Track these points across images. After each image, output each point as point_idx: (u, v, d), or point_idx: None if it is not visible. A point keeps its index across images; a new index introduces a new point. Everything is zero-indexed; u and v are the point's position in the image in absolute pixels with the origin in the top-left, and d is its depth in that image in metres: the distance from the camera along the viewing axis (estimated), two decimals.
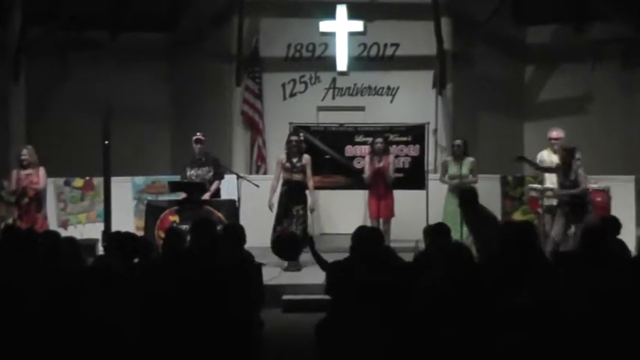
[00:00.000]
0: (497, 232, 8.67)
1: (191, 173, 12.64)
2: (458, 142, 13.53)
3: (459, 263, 6.35)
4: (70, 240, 8.11)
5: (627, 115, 16.78)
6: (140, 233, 11.61)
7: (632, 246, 10.68)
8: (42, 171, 12.67)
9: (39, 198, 12.66)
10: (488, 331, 5.63)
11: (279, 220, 12.45)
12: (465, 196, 10.88)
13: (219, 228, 9.03)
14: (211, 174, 12.63)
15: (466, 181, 13.02)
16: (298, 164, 12.44)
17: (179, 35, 17.64)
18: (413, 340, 5.85)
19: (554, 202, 12.60)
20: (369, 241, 7.62)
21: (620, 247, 8.06)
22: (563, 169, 11.79)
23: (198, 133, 12.84)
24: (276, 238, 11.97)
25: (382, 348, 6.07)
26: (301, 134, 13.18)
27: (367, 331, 6.22)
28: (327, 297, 7.49)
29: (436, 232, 8.19)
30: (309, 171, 12.53)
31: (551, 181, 12.85)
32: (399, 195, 13.12)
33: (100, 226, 13.36)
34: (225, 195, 12.97)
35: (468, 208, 10.67)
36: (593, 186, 13.37)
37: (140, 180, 15.05)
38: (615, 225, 8.76)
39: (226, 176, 13.06)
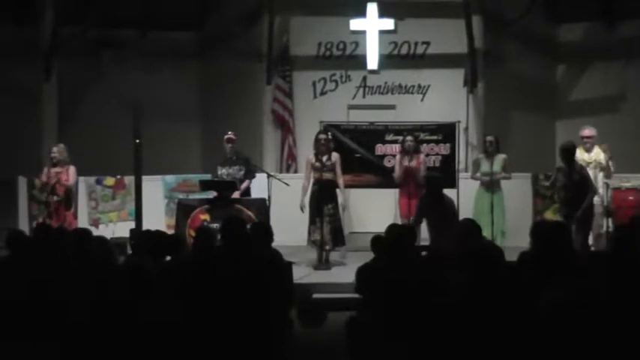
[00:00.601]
0: (456, 227, 8.58)
1: (222, 172, 12.68)
2: (490, 138, 13.48)
3: (489, 263, 6.31)
4: (102, 239, 8.15)
5: None
6: (171, 232, 11.66)
7: None
8: (72, 169, 12.74)
9: (69, 196, 12.73)
10: (521, 331, 5.59)
11: (312, 219, 12.46)
12: (430, 182, 10.81)
13: (248, 227, 9.01)
14: (242, 173, 12.65)
15: (498, 178, 13.00)
16: (328, 163, 12.43)
17: (208, 34, 17.69)
18: (442, 340, 5.82)
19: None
20: (404, 239, 7.61)
21: None
22: (565, 170, 11.75)
23: (229, 132, 12.88)
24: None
25: (412, 348, 6.04)
26: (329, 133, 13.15)
27: (398, 331, 6.19)
28: (356, 295, 7.48)
29: (467, 230, 8.15)
30: (338, 169, 12.52)
31: None
32: None
33: (132, 225, 13.41)
34: (255, 193, 12.98)
35: (431, 193, 10.57)
36: (626, 185, 13.29)
37: (171, 179, 15.11)
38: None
39: (257, 175, 13.08)
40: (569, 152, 11.82)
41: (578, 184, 11.63)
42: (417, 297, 6.39)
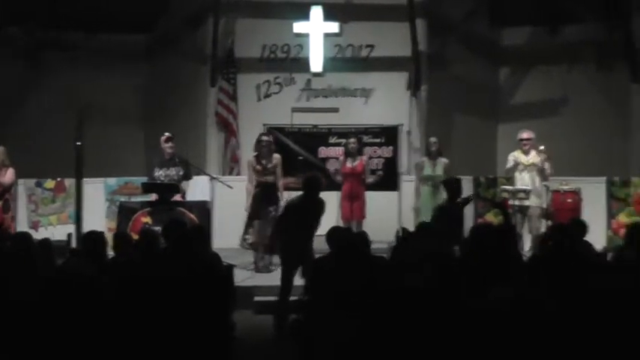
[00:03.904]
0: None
1: (159, 174, 12.54)
2: (433, 139, 13.58)
3: (445, 263, 6.42)
4: (44, 242, 8.11)
5: (601, 117, 16.85)
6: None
7: (601, 247, 10.73)
8: (10, 170, 12.50)
9: (6, 198, 12.53)
10: (472, 329, 5.63)
11: (250, 221, 12.41)
12: (311, 182, 10.81)
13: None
14: (181, 174, 12.56)
15: (440, 182, 13.09)
16: (269, 165, 12.41)
17: (155, 36, 17.58)
18: (396, 340, 5.84)
19: (526, 202, 12.71)
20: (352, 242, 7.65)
21: (586, 248, 8.09)
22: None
23: (166, 133, 12.77)
24: None
25: (363, 349, 6.05)
26: (271, 135, 13.13)
27: (347, 334, 6.19)
28: (297, 298, 7.48)
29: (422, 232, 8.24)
30: (279, 172, 12.51)
31: (522, 182, 12.91)
32: (371, 196, 13.12)
33: (72, 228, 13.27)
34: (198, 196, 12.92)
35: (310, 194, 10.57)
36: (565, 187, 13.46)
37: (112, 181, 14.95)
38: (581, 228, 8.75)
39: (199, 177, 13.01)
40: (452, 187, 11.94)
41: None
42: (368, 299, 6.40)
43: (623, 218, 13.70)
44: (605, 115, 16.82)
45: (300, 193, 10.66)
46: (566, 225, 8.49)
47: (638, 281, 6.18)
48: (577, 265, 6.68)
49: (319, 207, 10.41)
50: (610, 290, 5.95)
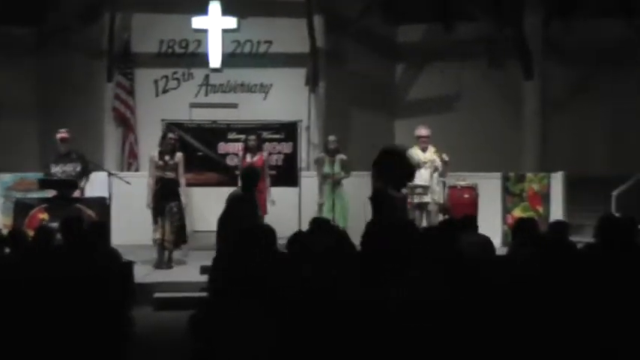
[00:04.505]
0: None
1: (56, 170, 12.40)
2: (332, 138, 13.67)
3: (343, 255, 6.49)
4: None
5: (495, 114, 17.22)
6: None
7: (498, 241, 10.96)
8: None
9: None
10: (369, 327, 5.71)
11: (155, 218, 12.36)
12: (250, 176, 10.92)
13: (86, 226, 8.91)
14: (79, 170, 12.42)
15: (339, 178, 13.21)
16: (171, 162, 12.37)
17: (48, 30, 17.27)
18: (297, 332, 5.89)
19: (425, 198, 12.88)
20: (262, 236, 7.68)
21: (484, 243, 8.25)
22: None
23: (61, 130, 12.61)
24: None
25: (266, 341, 6.09)
26: (176, 132, 13.11)
27: (250, 325, 6.22)
28: (198, 294, 7.49)
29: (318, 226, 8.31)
30: (181, 169, 12.47)
31: (421, 178, 13.07)
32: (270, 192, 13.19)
33: None
34: (96, 192, 12.80)
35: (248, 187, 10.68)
36: (461, 183, 13.69)
37: (8, 177, 14.68)
38: (471, 222, 8.90)
39: (97, 173, 12.89)
40: None
41: None
42: (269, 291, 6.44)
43: (518, 213, 14.01)
44: (499, 111, 17.20)
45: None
46: (457, 220, 8.63)
47: (530, 276, 6.35)
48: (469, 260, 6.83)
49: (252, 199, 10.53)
50: (502, 285, 6.11)
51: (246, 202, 10.54)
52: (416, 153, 13.20)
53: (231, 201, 10.66)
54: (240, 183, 11.18)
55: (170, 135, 12.65)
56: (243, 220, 10.11)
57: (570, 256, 7.16)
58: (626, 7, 16.73)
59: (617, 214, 11.90)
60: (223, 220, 10.33)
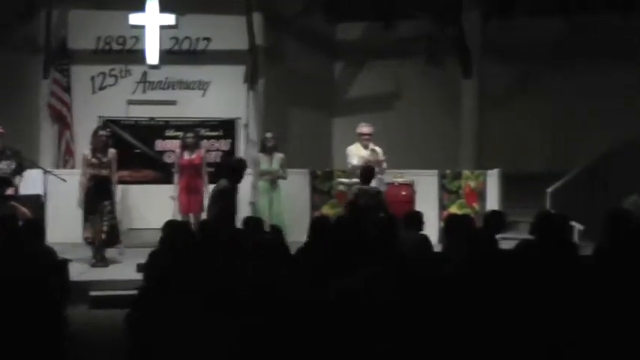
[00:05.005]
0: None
1: None
2: (269, 134, 13.63)
3: (277, 253, 6.53)
4: None
5: (432, 111, 17.35)
6: None
7: (434, 239, 11.00)
8: None
9: None
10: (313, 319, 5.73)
11: (87, 216, 12.23)
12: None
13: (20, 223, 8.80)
14: (13, 167, 12.26)
15: (276, 177, 13.18)
16: (104, 159, 12.24)
17: None
18: (239, 328, 5.88)
19: None
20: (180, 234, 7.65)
21: (420, 240, 8.31)
22: None
23: None
24: None
25: (205, 336, 6.07)
26: (108, 129, 12.97)
27: (188, 321, 6.19)
28: (134, 293, 7.42)
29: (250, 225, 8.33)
30: (114, 166, 12.36)
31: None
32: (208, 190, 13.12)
33: None
34: (31, 190, 12.65)
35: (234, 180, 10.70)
36: (399, 180, 13.75)
37: None
38: (417, 220, 8.95)
39: (32, 171, 12.74)
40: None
41: None
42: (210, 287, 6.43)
43: (454, 210, 14.12)
44: (437, 109, 17.34)
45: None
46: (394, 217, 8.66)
47: (464, 274, 6.41)
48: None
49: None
50: (437, 282, 6.17)
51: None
52: (357, 150, 13.21)
53: (226, 192, 10.62)
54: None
55: (101, 132, 12.49)
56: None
57: (502, 253, 7.26)
58: (564, 6, 16.96)
59: (551, 211, 12.05)
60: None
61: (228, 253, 7.46)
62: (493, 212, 9.40)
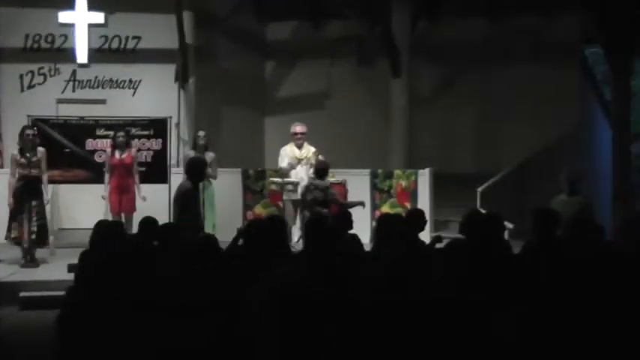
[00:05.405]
0: None
1: None
2: (201, 133, 13.58)
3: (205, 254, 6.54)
4: None
5: (364, 111, 17.47)
6: None
7: (366, 238, 11.11)
8: None
9: None
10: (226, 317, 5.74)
11: (13, 216, 12.08)
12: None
13: None
14: None
15: (208, 176, 13.15)
16: (34, 159, 12.11)
17: None
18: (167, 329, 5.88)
19: (297, 195, 12.95)
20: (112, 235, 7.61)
21: (349, 239, 8.37)
22: None
23: None
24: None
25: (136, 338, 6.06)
26: (35, 128, 12.83)
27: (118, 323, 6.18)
28: (65, 293, 7.38)
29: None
30: (44, 165, 12.23)
31: (297, 175, 13.12)
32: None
33: None
34: None
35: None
36: (330, 179, 13.81)
37: None
38: (346, 219, 8.99)
39: None
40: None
41: None
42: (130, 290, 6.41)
43: (386, 209, 14.23)
44: (368, 108, 17.47)
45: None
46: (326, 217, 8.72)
47: (396, 271, 6.47)
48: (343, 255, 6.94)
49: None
50: (368, 279, 6.23)
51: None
52: (291, 150, 13.24)
53: (189, 193, 10.54)
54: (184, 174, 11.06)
55: (28, 131, 12.35)
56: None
57: (431, 252, 7.35)
58: (489, 7, 17.19)
59: (482, 210, 12.22)
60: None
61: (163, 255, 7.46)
62: (414, 211, 9.46)
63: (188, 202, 10.30)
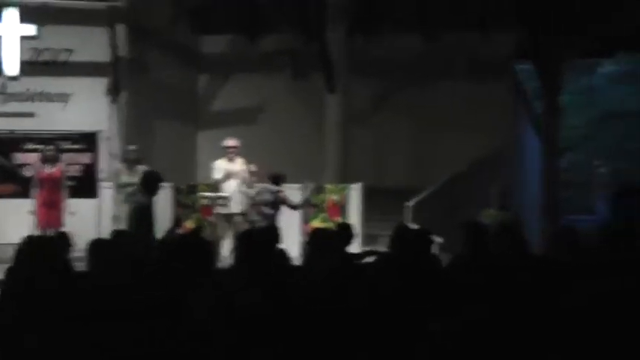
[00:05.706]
0: None
1: None
2: (132, 147, 13.48)
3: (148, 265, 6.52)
4: None
5: (298, 126, 17.45)
6: None
7: (295, 251, 11.06)
8: None
9: None
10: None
11: None
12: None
13: None
14: None
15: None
16: None
17: None
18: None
19: (231, 209, 12.92)
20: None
21: (279, 255, 8.33)
22: None
23: None
24: None
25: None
26: None
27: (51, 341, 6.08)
28: None
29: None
30: None
31: (229, 189, 13.08)
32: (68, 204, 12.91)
33: None
34: None
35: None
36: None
37: None
38: (274, 235, 8.96)
39: None
40: None
41: None
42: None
43: (317, 224, 14.21)
44: (302, 123, 17.43)
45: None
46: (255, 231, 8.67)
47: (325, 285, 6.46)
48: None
49: None
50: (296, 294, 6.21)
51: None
52: (223, 164, 13.21)
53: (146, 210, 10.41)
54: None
55: None
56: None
57: (360, 267, 7.35)
58: (424, 23, 17.31)
59: (412, 225, 12.26)
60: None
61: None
62: (341, 224, 9.48)
63: (142, 217, 10.23)
